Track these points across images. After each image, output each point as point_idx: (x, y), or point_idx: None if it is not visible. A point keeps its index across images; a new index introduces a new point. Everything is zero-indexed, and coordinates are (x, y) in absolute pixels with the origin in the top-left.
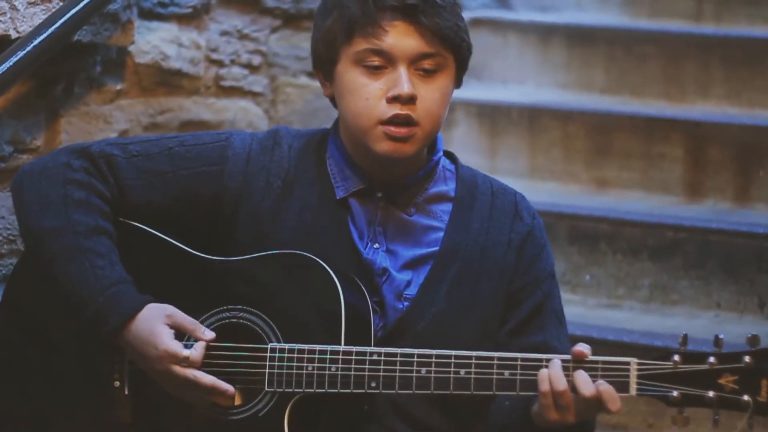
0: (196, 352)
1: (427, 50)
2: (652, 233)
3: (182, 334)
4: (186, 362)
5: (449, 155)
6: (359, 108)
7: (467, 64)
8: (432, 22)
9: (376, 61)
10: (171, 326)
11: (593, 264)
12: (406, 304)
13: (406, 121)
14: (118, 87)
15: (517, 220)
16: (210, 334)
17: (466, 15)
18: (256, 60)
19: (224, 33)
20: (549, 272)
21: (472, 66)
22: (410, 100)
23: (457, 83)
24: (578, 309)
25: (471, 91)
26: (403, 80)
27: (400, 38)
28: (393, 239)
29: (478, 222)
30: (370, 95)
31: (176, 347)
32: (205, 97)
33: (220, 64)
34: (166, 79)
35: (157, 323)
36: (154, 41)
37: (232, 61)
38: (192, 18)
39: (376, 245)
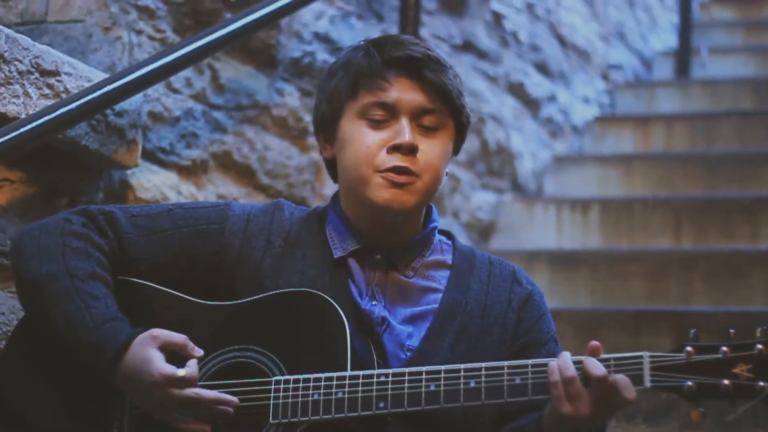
0: (191, 369)
1: (429, 106)
2: (645, 396)
3: (174, 358)
4: (183, 382)
5: (446, 233)
6: (360, 155)
7: (464, 135)
8: (436, 78)
9: (379, 114)
10: (161, 348)
11: None
12: (408, 354)
13: (407, 172)
14: None
15: (516, 285)
16: (199, 351)
17: None
18: None
19: (221, 197)
20: (552, 336)
21: None
22: (411, 150)
23: (455, 151)
24: None
25: None
26: (405, 130)
27: (404, 92)
28: (392, 299)
29: (477, 285)
30: (371, 143)
31: (170, 369)
32: None
33: None
34: None
35: (147, 348)
36: (156, 181)
37: None
38: (191, 172)
39: (374, 302)
